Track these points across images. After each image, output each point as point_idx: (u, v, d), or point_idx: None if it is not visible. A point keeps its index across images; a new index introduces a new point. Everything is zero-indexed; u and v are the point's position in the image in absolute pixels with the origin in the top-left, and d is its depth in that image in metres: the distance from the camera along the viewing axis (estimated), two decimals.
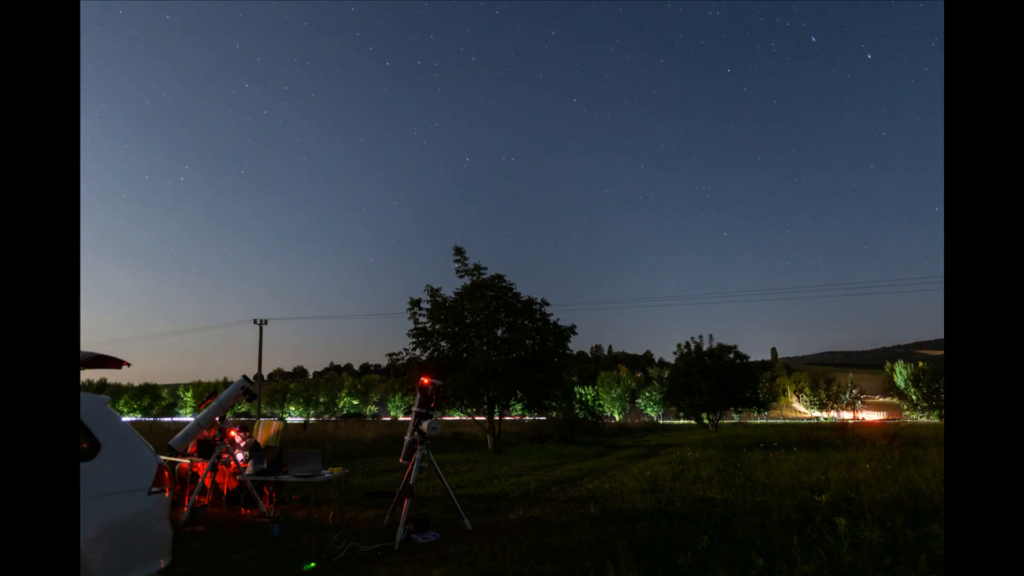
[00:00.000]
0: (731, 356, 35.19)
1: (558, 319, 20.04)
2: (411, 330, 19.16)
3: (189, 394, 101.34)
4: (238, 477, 7.32)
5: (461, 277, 19.48)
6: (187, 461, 7.47)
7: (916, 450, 12.23)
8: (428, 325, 19.13)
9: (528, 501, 7.98)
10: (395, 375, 20.02)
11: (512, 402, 19.97)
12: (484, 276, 19.35)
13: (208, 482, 7.41)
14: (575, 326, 20.10)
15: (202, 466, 7.12)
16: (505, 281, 19.43)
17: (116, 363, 4.99)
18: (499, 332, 19.29)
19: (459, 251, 19.40)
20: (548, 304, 19.84)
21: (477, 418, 20.34)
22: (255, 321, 36.26)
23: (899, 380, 59.88)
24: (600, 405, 50.29)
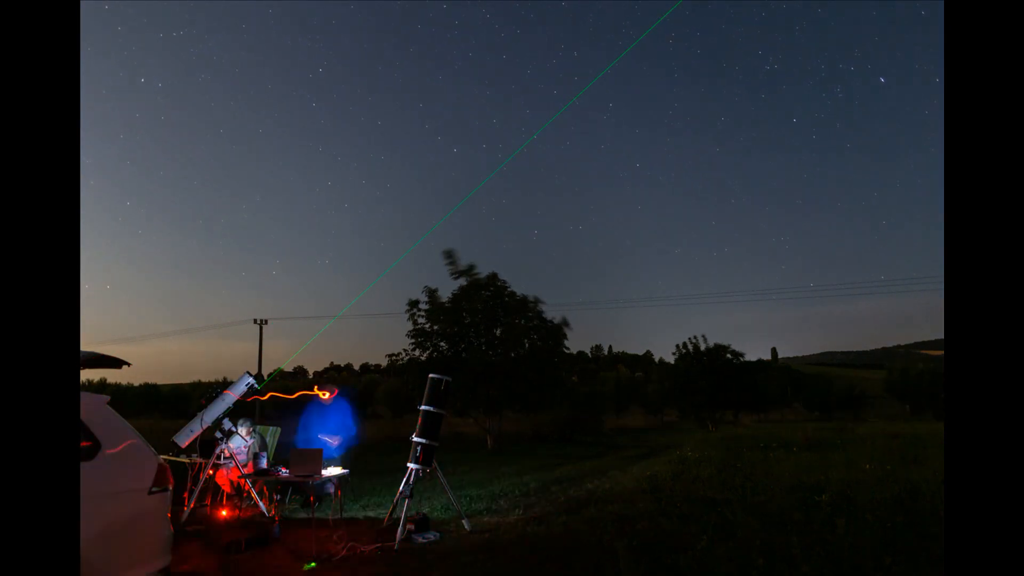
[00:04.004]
0: (730, 356, 35.17)
1: (553, 317, 19.98)
2: (410, 331, 19.16)
3: None
4: (239, 476, 7.32)
5: (456, 279, 19.46)
6: (188, 459, 7.47)
7: (916, 450, 12.22)
8: (427, 326, 19.12)
9: (528, 501, 7.97)
10: (395, 375, 20.02)
11: (511, 402, 19.94)
12: (478, 275, 19.32)
13: (211, 481, 7.40)
14: (566, 319, 19.90)
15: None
16: (500, 280, 19.40)
17: (116, 363, 4.99)
18: (497, 332, 19.26)
19: (449, 254, 19.39)
20: (542, 302, 19.76)
21: (476, 418, 20.34)
22: (255, 321, 36.21)
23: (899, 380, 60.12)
24: (600, 405, 50.18)
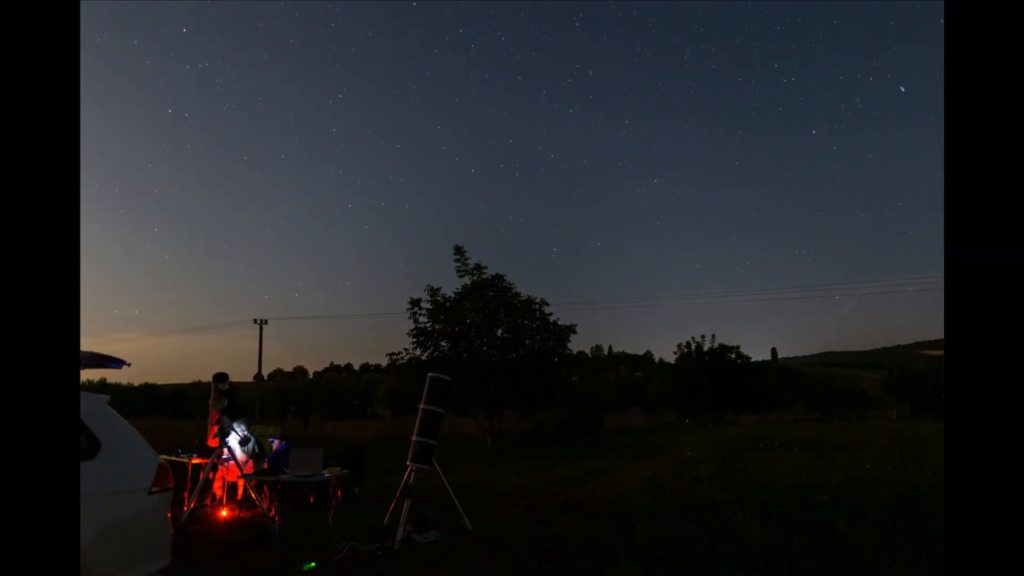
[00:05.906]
0: (732, 356, 35.10)
1: (558, 319, 20.01)
2: (411, 330, 19.17)
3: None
4: (238, 476, 7.32)
5: (461, 276, 19.45)
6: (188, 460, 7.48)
7: (916, 450, 12.21)
8: (428, 325, 19.12)
9: (528, 501, 7.97)
10: (395, 375, 20.02)
11: (512, 401, 19.95)
12: (485, 275, 19.31)
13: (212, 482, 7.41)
14: (575, 326, 20.06)
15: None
16: (505, 281, 19.41)
17: (116, 363, 4.99)
18: (499, 332, 19.27)
19: (459, 250, 19.34)
20: (548, 304, 19.82)
21: (477, 418, 20.36)
22: (255, 321, 36.19)
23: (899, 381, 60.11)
24: (600, 405, 50.13)
